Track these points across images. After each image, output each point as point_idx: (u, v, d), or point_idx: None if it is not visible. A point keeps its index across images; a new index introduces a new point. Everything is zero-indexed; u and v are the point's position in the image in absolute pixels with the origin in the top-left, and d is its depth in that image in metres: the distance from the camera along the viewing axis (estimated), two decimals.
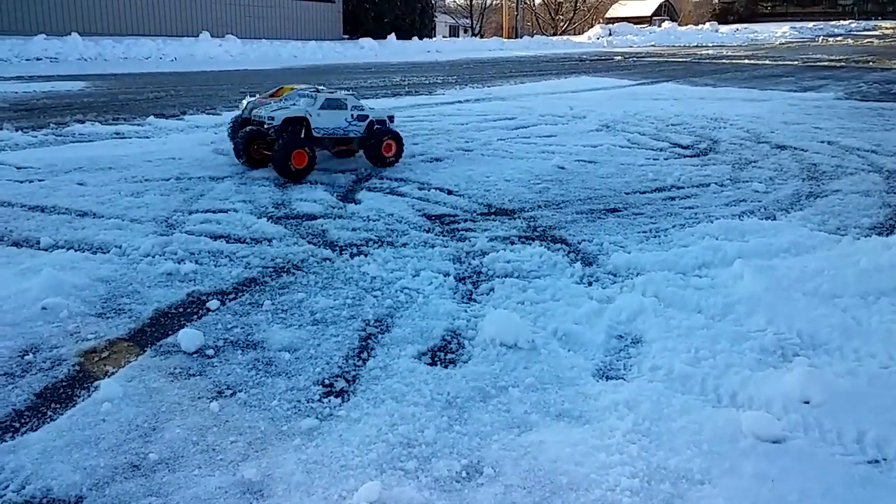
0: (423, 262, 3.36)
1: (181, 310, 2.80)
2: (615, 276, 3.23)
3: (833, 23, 42.96)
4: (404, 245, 3.63)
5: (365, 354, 2.45)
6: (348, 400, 2.16)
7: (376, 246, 3.61)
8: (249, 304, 2.87)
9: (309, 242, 3.64)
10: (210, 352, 2.44)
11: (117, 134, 6.69)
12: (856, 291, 2.91)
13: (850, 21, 45.05)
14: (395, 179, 5.09)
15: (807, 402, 2.10)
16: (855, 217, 4.23)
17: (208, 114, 8.17)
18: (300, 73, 14.58)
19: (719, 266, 3.25)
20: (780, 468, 1.83)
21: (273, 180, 4.91)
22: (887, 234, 3.68)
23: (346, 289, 3.04)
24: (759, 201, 4.59)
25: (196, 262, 3.29)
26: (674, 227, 4.00)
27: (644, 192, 4.84)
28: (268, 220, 3.95)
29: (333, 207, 4.34)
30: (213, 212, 4.14)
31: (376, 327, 2.67)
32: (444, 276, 3.18)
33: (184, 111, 8.33)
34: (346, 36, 27.07)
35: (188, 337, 2.47)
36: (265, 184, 4.85)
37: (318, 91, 5.24)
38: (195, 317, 2.73)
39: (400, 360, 2.40)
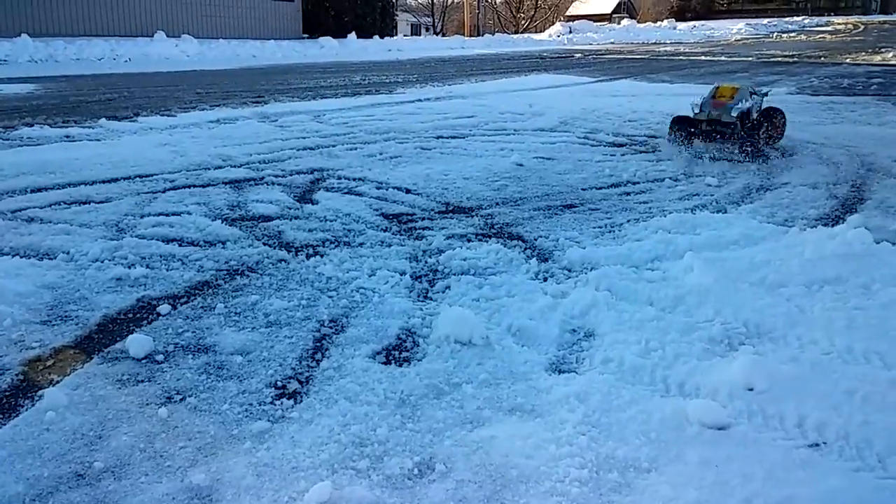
0: (379, 261, 3.35)
1: (130, 315, 2.75)
2: (570, 271, 3.26)
3: (787, 19, 44.07)
4: (361, 245, 3.62)
5: (319, 355, 2.44)
6: (301, 401, 2.15)
7: (333, 246, 3.59)
8: (202, 307, 2.83)
9: (264, 244, 3.61)
10: (160, 357, 2.40)
11: (67, 137, 6.53)
12: (800, 281, 2.99)
13: (804, 17, 46.26)
14: (354, 179, 5.07)
15: (751, 390, 2.16)
16: (802, 209, 4.35)
17: (162, 115, 8.02)
18: (260, 73, 14.41)
19: (671, 259, 3.31)
20: (725, 454, 1.87)
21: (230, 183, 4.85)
22: (832, 225, 3.79)
23: (302, 290, 3.01)
24: (712, 195, 4.69)
25: (147, 267, 3.23)
26: (628, 221, 4.06)
27: (600, 188, 4.90)
28: (222, 223, 3.90)
29: (290, 208, 4.30)
30: (166, 215, 4.07)
31: (331, 328, 2.65)
32: (401, 274, 3.18)
33: (137, 113, 8.17)
34: (306, 35, 26.86)
35: (137, 343, 2.42)
36: (220, 186, 4.78)
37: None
38: (145, 322, 2.69)
39: (354, 360, 2.39)
